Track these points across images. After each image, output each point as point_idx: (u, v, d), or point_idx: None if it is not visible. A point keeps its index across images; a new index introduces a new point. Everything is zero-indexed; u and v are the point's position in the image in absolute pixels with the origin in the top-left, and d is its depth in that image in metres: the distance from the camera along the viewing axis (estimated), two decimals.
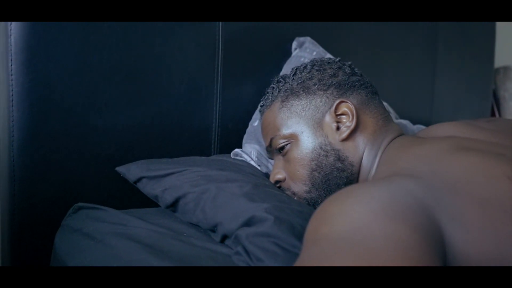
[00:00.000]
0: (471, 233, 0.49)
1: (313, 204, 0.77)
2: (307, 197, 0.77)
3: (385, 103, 1.17)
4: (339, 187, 0.75)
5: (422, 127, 1.17)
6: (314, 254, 0.46)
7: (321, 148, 0.76)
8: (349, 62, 0.85)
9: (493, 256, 0.48)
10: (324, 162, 0.76)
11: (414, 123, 1.20)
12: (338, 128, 0.77)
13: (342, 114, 0.78)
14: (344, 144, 0.76)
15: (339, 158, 0.76)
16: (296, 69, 0.85)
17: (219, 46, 1.02)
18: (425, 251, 0.44)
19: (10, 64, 0.80)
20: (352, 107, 0.77)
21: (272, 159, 0.87)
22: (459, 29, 1.60)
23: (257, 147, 0.93)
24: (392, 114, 1.16)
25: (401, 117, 1.25)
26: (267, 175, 0.86)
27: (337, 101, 0.78)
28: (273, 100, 0.83)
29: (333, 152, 0.76)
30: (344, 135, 0.76)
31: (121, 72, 0.91)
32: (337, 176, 0.75)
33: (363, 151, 0.76)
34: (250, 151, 0.93)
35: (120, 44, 0.90)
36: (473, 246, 0.48)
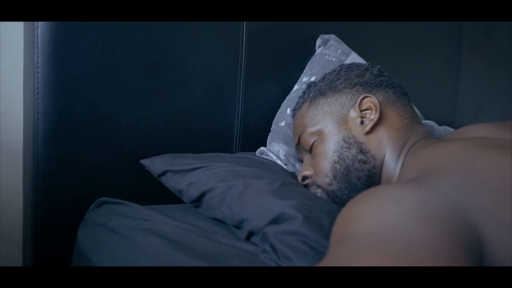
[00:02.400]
0: (510, 232, 0.47)
1: (332, 197, 0.78)
2: (328, 189, 0.78)
3: None
4: (359, 180, 0.75)
5: (448, 128, 1.14)
6: (342, 252, 0.44)
7: (344, 140, 0.77)
8: (378, 66, 0.86)
9: None
10: (346, 154, 0.76)
11: (439, 124, 1.18)
12: (362, 123, 0.78)
13: (366, 109, 0.79)
14: (368, 137, 0.77)
15: (362, 151, 0.76)
16: (326, 74, 0.89)
17: (243, 43, 1.01)
18: (455, 255, 0.43)
19: (36, 56, 0.80)
20: (376, 101, 0.78)
21: (300, 160, 0.88)
22: (484, 29, 1.57)
23: (285, 147, 0.92)
24: (418, 114, 1.14)
25: (424, 118, 1.23)
26: (293, 175, 0.85)
27: (361, 96, 0.79)
28: (303, 102, 0.87)
29: (355, 145, 0.77)
30: (368, 128, 0.77)
31: (144, 68, 0.90)
32: (358, 168, 0.75)
33: (387, 146, 0.77)
34: (278, 150, 0.92)
35: (144, 39, 0.89)
36: None
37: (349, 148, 0.76)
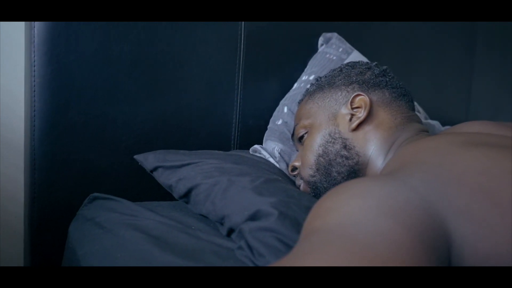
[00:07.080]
0: (480, 228, 0.45)
1: (313, 188, 0.79)
2: (310, 180, 0.80)
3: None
4: (340, 174, 0.77)
5: None
6: (304, 247, 0.44)
7: (329, 135, 0.79)
8: (385, 67, 0.86)
9: (504, 253, 0.44)
10: (330, 148, 0.78)
11: (448, 124, 1.15)
12: (351, 120, 0.79)
13: (358, 107, 0.79)
14: (354, 134, 0.78)
15: (346, 147, 0.77)
16: (331, 69, 0.91)
17: (242, 41, 1.01)
18: (417, 252, 0.42)
19: (33, 55, 0.82)
20: (367, 100, 0.78)
21: (297, 150, 0.91)
22: (499, 28, 1.52)
23: (280, 145, 0.92)
24: (422, 114, 1.12)
25: (435, 118, 1.20)
26: (282, 173, 0.86)
27: (354, 94, 0.80)
28: (305, 95, 0.89)
29: (340, 141, 0.78)
30: (354, 125, 0.77)
31: (141, 65, 0.92)
32: (340, 163, 0.77)
33: (373, 145, 0.77)
34: (273, 147, 0.92)
35: (142, 36, 0.91)
36: (484, 241, 0.45)
37: (334, 143, 0.78)
